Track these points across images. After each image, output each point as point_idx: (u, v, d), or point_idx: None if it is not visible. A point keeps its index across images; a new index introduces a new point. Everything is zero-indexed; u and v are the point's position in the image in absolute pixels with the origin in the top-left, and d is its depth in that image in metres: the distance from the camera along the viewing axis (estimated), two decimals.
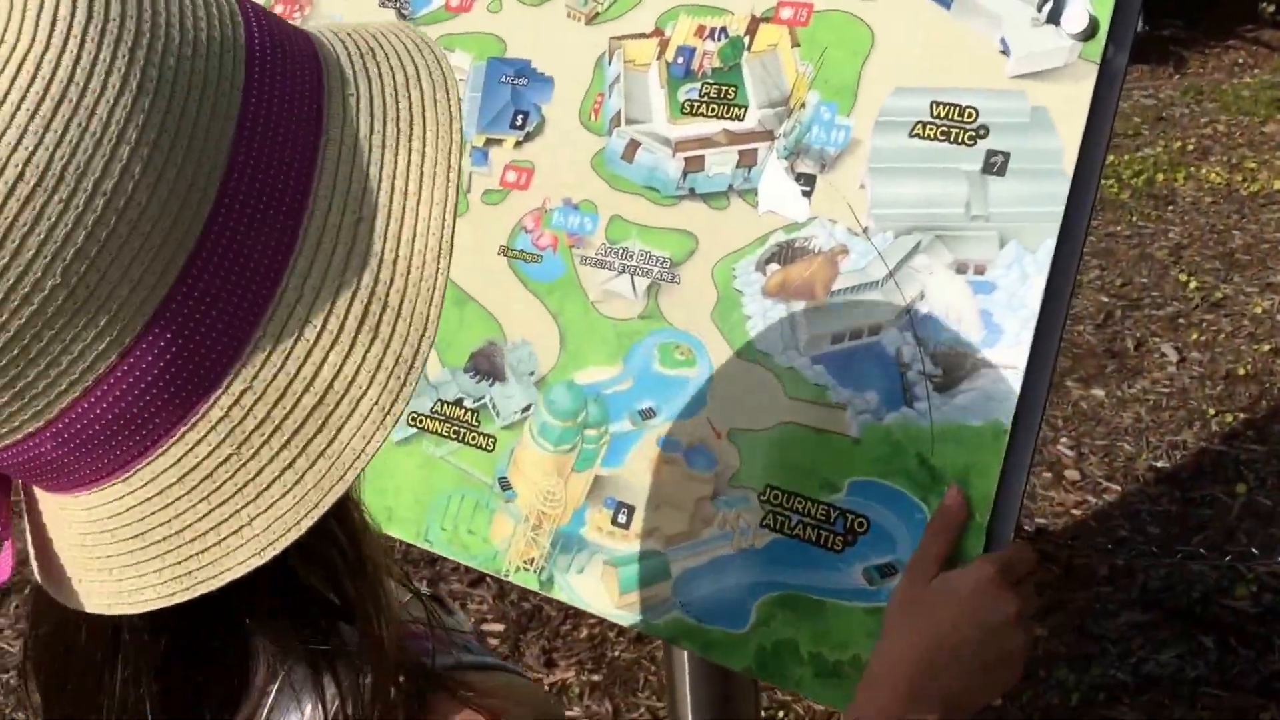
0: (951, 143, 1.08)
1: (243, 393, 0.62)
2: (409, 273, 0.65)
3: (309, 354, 0.63)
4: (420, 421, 1.31)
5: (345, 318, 0.64)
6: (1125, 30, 1.03)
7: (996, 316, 1.03)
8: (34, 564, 0.72)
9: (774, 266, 1.14)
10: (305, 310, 0.63)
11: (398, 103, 0.69)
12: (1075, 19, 1.03)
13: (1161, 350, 3.62)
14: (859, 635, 1.04)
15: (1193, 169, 4.72)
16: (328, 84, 0.67)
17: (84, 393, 0.60)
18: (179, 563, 0.64)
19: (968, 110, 1.08)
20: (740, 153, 1.18)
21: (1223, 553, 2.81)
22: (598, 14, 1.30)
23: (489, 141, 1.34)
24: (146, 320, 0.59)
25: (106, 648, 0.74)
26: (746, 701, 1.39)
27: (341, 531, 0.74)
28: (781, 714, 2.54)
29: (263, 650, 0.73)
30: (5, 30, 0.54)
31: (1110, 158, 4.68)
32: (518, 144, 1.32)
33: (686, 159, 1.21)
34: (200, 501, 0.64)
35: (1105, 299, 3.88)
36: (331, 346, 0.64)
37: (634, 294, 1.21)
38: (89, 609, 0.68)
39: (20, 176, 0.53)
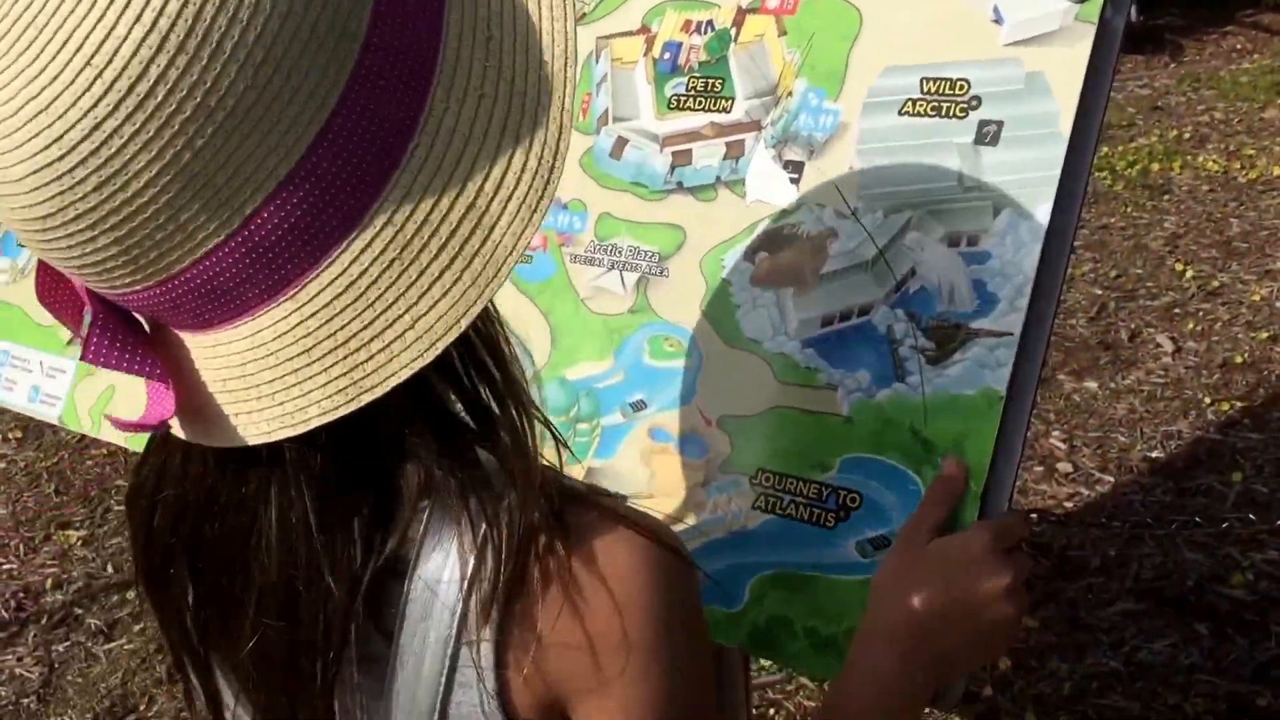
0: (942, 117, 1.08)
1: (403, 198, 0.66)
2: (540, 82, 0.70)
3: (459, 159, 0.67)
4: None
5: (490, 123, 0.68)
6: None
7: (990, 285, 1.03)
8: (172, 424, 0.73)
9: (762, 254, 1.15)
10: (454, 120, 0.68)
11: None
12: None
13: (1156, 341, 3.62)
14: (853, 607, 1.04)
15: (1189, 157, 4.71)
16: None
17: (265, 199, 0.63)
18: (345, 374, 0.68)
19: (959, 83, 1.08)
20: (727, 144, 1.19)
21: (1219, 535, 2.82)
22: (585, 14, 1.31)
23: None
24: (320, 127, 0.63)
25: (259, 481, 0.76)
26: (735, 688, 1.39)
27: (489, 356, 0.78)
28: (773, 712, 2.55)
29: (412, 472, 0.76)
30: None
31: (1104, 149, 4.69)
32: None
33: (674, 154, 1.22)
34: (366, 309, 0.67)
35: (1099, 291, 3.88)
36: (479, 151, 0.68)
37: (623, 289, 1.22)
38: (250, 441, 0.71)
39: None
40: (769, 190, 1.15)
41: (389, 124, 0.66)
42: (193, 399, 0.72)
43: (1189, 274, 3.90)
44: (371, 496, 0.76)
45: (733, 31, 1.21)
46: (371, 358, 0.68)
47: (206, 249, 0.64)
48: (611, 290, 1.23)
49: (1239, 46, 5.94)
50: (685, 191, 1.21)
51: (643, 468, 1.18)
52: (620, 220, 1.24)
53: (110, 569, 3.27)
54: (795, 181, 1.14)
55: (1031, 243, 1.01)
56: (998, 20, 1.07)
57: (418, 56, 0.67)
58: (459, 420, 0.78)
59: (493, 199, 0.68)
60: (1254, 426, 3.18)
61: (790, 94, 1.16)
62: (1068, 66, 1.03)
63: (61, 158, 0.60)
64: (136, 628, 3.04)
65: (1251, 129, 4.90)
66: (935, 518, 0.99)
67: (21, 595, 3.20)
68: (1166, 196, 4.44)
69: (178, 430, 0.74)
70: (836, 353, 1.09)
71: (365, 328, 0.67)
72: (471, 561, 0.75)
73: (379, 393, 0.68)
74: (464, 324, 0.68)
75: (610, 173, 1.26)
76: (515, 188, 0.69)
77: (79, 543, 3.38)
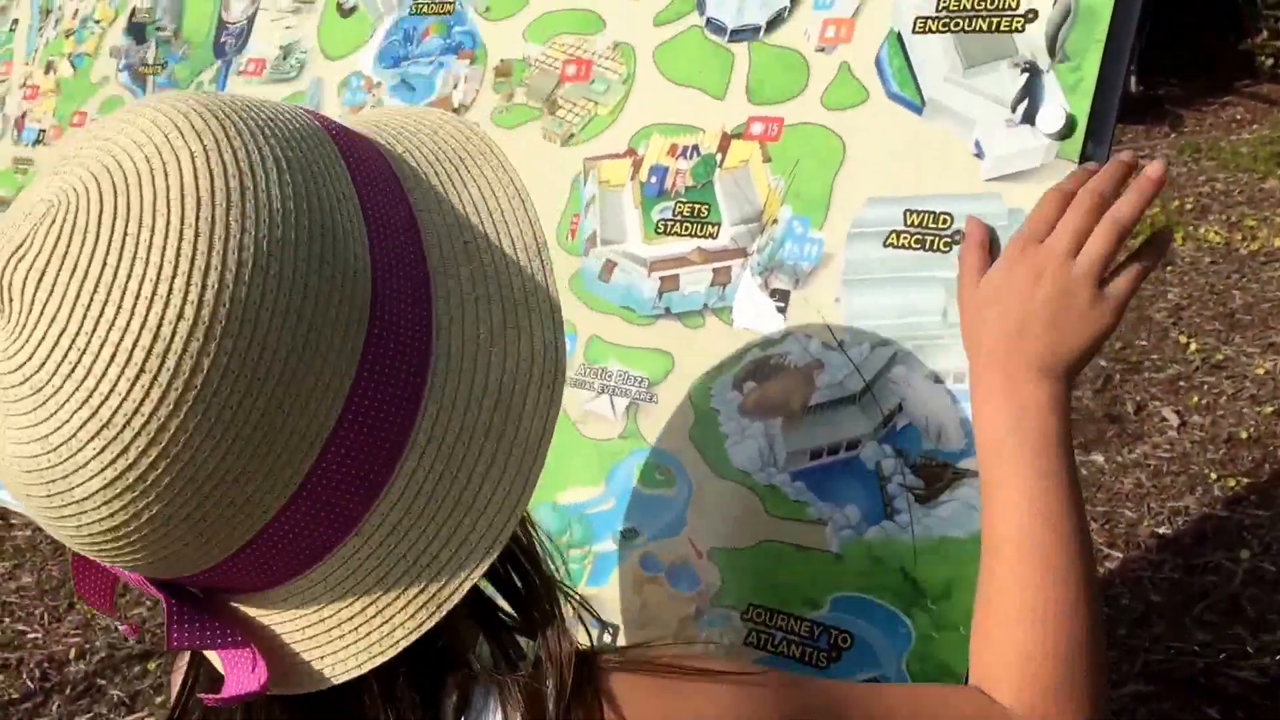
0: (926, 250, 1.08)
1: (437, 413, 0.70)
2: (521, 272, 0.75)
3: (475, 363, 0.71)
4: None
5: (491, 320, 0.72)
6: (1104, 126, 1.03)
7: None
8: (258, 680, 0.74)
9: (750, 384, 1.14)
10: (460, 330, 0.72)
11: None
12: (1051, 119, 1.03)
13: (1162, 414, 3.61)
14: None
15: (1191, 228, 4.72)
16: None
17: (320, 451, 0.66)
18: (421, 590, 0.70)
19: (942, 216, 1.08)
20: (714, 271, 1.19)
21: (1228, 615, 2.79)
22: (572, 135, 1.32)
23: None
24: (354, 373, 0.66)
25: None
26: None
27: (521, 551, 0.81)
28: None
29: (461, 669, 0.78)
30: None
31: None
32: None
33: (662, 278, 1.22)
34: (429, 525, 0.70)
35: (1104, 363, 3.88)
36: (492, 351, 0.72)
37: (613, 414, 1.22)
38: (341, 680, 0.73)
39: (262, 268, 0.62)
40: (756, 319, 1.15)
41: (410, 353, 0.69)
42: (268, 653, 0.73)
43: (1193, 346, 3.90)
44: (425, 696, 0.77)
45: (718, 157, 1.21)
46: (443, 569, 0.70)
47: (274, 512, 0.67)
48: (602, 415, 1.22)
49: (1238, 117, 5.96)
50: (673, 317, 1.20)
51: (634, 597, 1.17)
52: (609, 344, 1.24)
53: (132, 639, 3.26)
54: (782, 310, 1.14)
55: None
56: (979, 154, 1.06)
57: (414, 276, 0.70)
58: (501, 616, 0.82)
59: (514, 390, 0.72)
60: (1260, 503, 3.17)
61: (775, 221, 1.16)
62: None
63: (130, 466, 0.62)
64: (159, 699, 3.04)
65: (1253, 200, 4.91)
66: (977, 263, 1.00)
67: (46, 665, 3.21)
68: (1169, 268, 4.44)
69: None
70: (825, 487, 1.08)
71: (431, 542, 0.70)
72: None
73: (457, 599, 0.71)
74: (519, 512, 0.72)
75: (599, 295, 1.26)
76: (531, 373, 0.72)
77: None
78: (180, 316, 0.60)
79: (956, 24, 1.10)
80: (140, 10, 1.87)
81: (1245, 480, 3.26)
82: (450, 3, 1.48)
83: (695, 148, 1.23)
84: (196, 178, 0.62)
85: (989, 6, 1.08)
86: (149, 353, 0.60)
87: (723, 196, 1.20)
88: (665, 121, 1.26)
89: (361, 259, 0.67)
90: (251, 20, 1.69)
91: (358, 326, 0.66)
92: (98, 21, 1.93)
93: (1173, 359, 3.87)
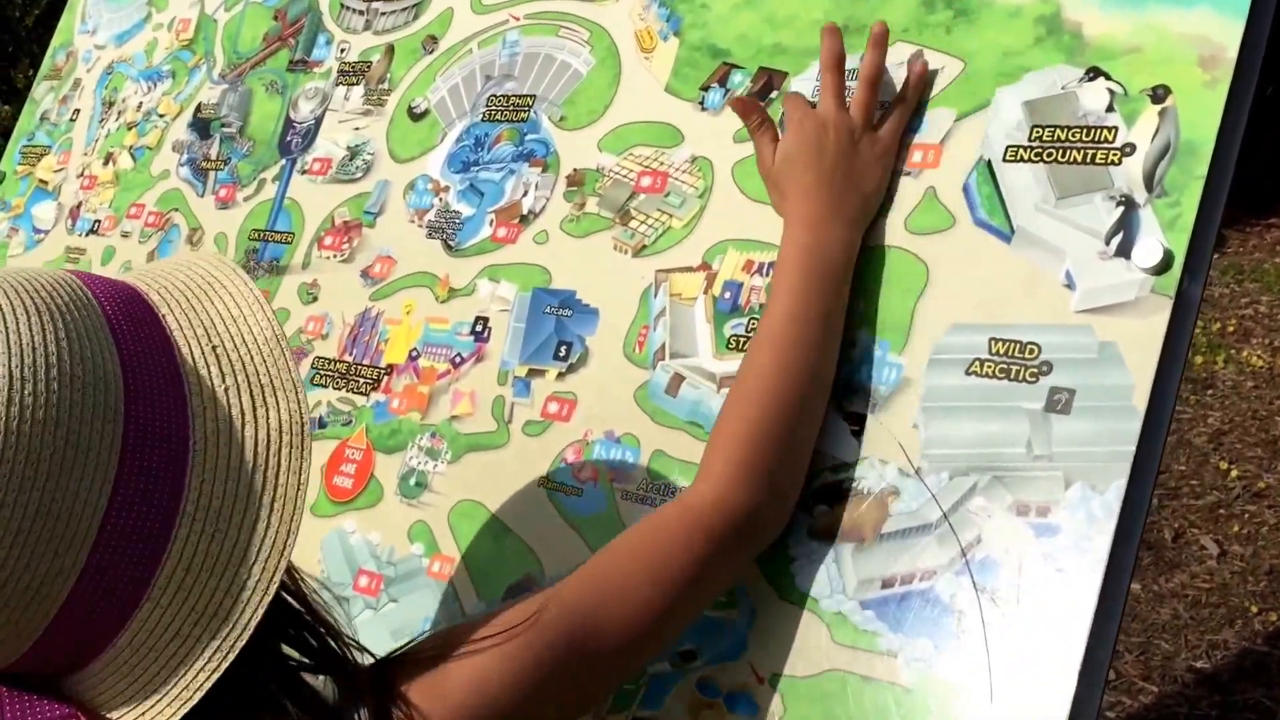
0: (1011, 380, 1.06)
1: (201, 484, 0.83)
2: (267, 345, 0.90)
3: (231, 433, 0.85)
4: None
5: (243, 405, 0.86)
6: (1201, 260, 1.01)
7: (1061, 561, 0.99)
8: None
9: (821, 507, 1.12)
10: (221, 411, 0.85)
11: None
12: (1148, 253, 1.01)
13: (1201, 543, 3.55)
14: None
15: (1233, 351, 4.67)
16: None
17: (96, 536, 0.79)
18: (213, 636, 0.82)
19: (1029, 346, 1.06)
20: None
21: None
22: (645, 246, 1.31)
23: (531, 372, 1.34)
24: (115, 469, 0.79)
25: None
26: None
27: (291, 595, 0.95)
28: None
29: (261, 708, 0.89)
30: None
31: None
32: (560, 375, 1.32)
33: None
34: (210, 577, 0.82)
35: None
36: (244, 424, 0.86)
37: None
38: None
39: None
40: (829, 441, 1.13)
41: (169, 440, 0.82)
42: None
43: (1234, 473, 3.84)
44: None
45: None
46: (228, 615, 0.82)
47: (66, 592, 0.79)
48: None
49: None
50: None
51: None
52: (675, 459, 1.21)
53: None
54: (857, 434, 1.12)
55: (1105, 519, 0.98)
56: (1069, 286, 1.05)
57: (167, 378, 0.84)
58: (285, 658, 0.94)
59: (268, 456, 0.85)
60: None
61: (853, 344, 1.14)
62: (1143, 340, 1.00)
63: None
64: None
65: None
66: (767, 140, 1.22)
67: None
68: (1210, 391, 4.40)
69: None
70: (897, 617, 1.05)
71: (215, 593, 0.82)
72: None
73: (245, 639, 0.82)
74: (287, 554, 0.84)
75: (666, 409, 1.24)
76: (281, 439, 0.86)
77: None
78: None
79: (1050, 155, 1.09)
80: (206, 106, 1.88)
81: None
82: (524, 110, 1.48)
83: (772, 265, 1.22)
84: None
85: (1084, 138, 1.08)
86: None
87: None
88: (741, 237, 1.25)
89: (113, 371, 0.81)
90: (319, 120, 1.70)
91: (114, 425, 0.79)
92: (161, 115, 1.94)
93: (1213, 486, 3.81)
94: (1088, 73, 1.10)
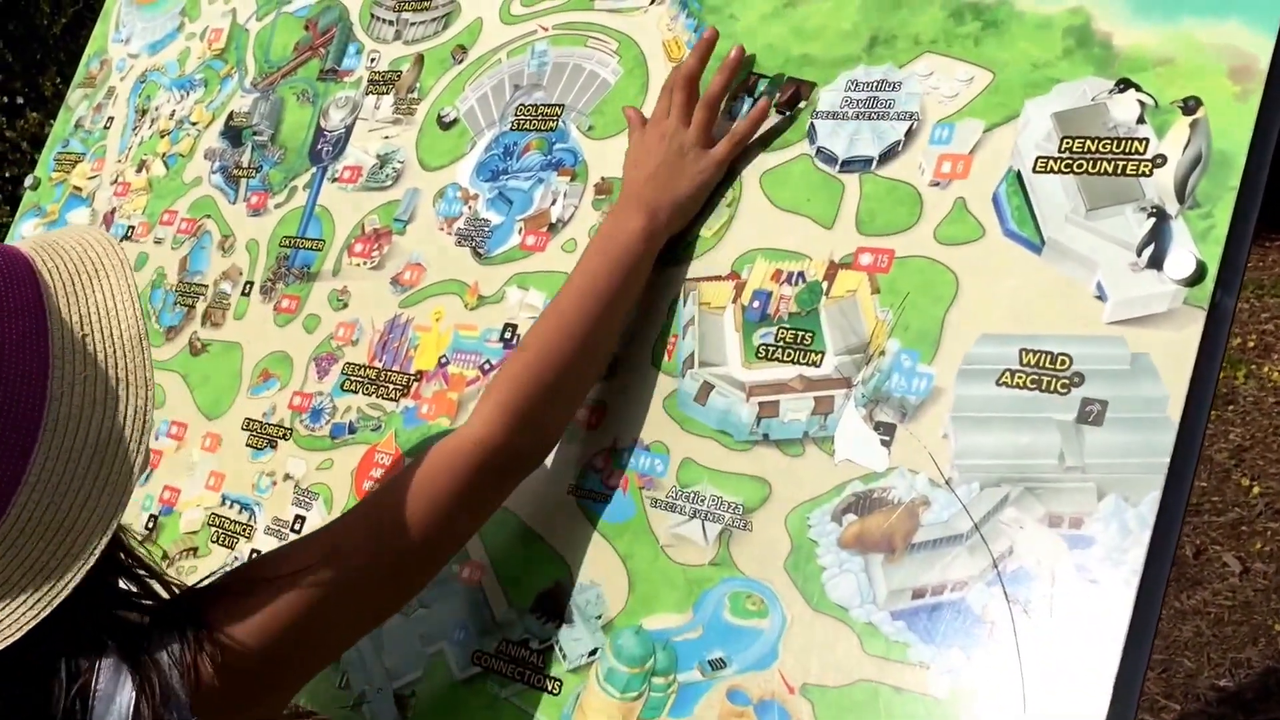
0: (1043, 391, 1.06)
1: (45, 460, 0.92)
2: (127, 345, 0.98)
3: (79, 420, 0.94)
4: (486, 661, 1.28)
5: (96, 396, 0.95)
6: (1234, 274, 1.01)
7: (1094, 573, 0.99)
8: None
9: (851, 517, 1.12)
10: (76, 399, 0.94)
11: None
12: (1180, 264, 1.01)
13: (1223, 560, 3.53)
14: None
15: (1254, 367, 4.65)
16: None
17: None
18: (37, 587, 0.91)
19: (1060, 357, 1.06)
20: (816, 399, 1.17)
21: None
22: (675, 255, 1.31)
23: None
24: None
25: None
26: None
27: (125, 552, 1.05)
28: None
29: (67, 660, 0.97)
30: None
31: None
32: None
33: (761, 404, 1.20)
34: (40, 540, 0.91)
35: None
36: (93, 414, 0.95)
37: (705, 540, 1.19)
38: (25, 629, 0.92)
39: None
40: (859, 451, 1.13)
41: (23, 420, 0.92)
42: None
43: (1256, 490, 3.82)
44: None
45: (824, 285, 1.20)
46: (52, 573, 0.91)
47: None
48: (693, 540, 1.20)
49: None
50: (771, 444, 1.18)
51: None
52: (703, 467, 1.22)
53: None
54: (887, 444, 1.12)
55: (1139, 531, 0.98)
56: (1101, 297, 1.05)
57: (35, 362, 0.93)
58: (109, 599, 1.04)
59: (109, 445, 0.94)
60: None
61: (883, 353, 1.14)
62: (1176, 351, 1.00)
63: None
64: None
65: None
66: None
67: None
68: (1231, 407, 4.37)
69: None
70: (928, 628, 1.05)
71: (44, 553, 0.91)
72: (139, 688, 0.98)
73: (65, 593, 0.90)
74: (110, 530, 0.92)
75: (694, 417, 1.24)
76: (125, 433, 0.95)
77: None
78: None
79: (1080, 165, 1.09)
80: (238, 115, 1.89)
81: None
82: (553, 120, 1.49)
83: (800, 274, 1.22)
84: None
85: (1115, 150, 1.08)
86: None
87: (828, 325, 1.19)
88: (770, 247, 1.25)
89: None
90: (349, 129, 1.71)
91: None
92: (194, 124, 1.95)
93: (1234, 502, 3.79)
94: (1118, 84, 1.11)
